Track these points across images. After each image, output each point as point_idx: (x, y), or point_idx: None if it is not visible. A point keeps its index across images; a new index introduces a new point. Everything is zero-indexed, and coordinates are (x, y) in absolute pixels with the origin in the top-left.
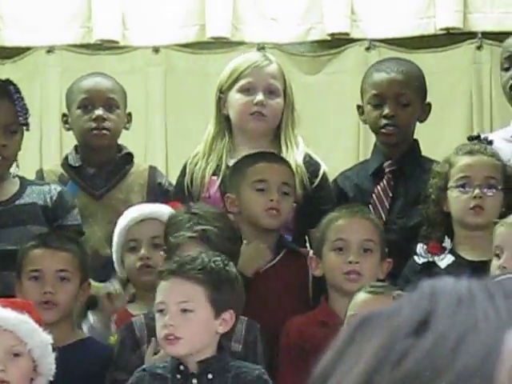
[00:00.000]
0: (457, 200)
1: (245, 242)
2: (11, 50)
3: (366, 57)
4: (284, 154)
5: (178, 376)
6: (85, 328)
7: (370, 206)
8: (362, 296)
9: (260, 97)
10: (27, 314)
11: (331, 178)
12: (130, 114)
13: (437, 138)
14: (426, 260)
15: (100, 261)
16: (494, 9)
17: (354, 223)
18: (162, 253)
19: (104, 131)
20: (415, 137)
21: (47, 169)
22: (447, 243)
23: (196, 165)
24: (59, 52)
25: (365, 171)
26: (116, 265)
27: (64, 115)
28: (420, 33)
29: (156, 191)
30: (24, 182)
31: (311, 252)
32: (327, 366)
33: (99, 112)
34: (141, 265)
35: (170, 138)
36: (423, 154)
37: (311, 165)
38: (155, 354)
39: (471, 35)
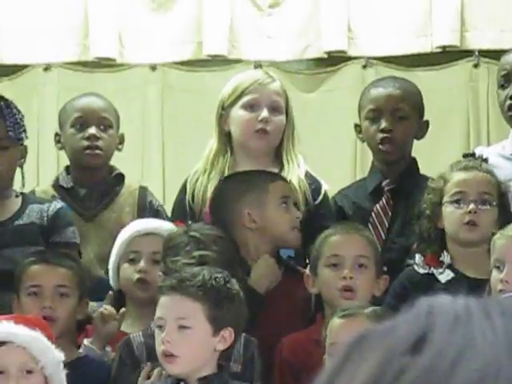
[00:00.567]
0: (451, 215)
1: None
2: (8, 67)
3: (362, 75)
4: (286, 172)
5: None
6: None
7: (370, 224)
8: (336, 322)
9: (265, 113)
10: (40, 330)
11: (329, 196)
12: (122, 136)
13: (434, 156)
14: (426, 271)
15: (92, 281)
16: (490, 27)
17: (348, 239)
18: (160, 273)
19: (97, 151)
20: (413, 154)
21: (39, 189)
22: (445, 257)
23: (197, 181)
24: (56, 70)
25: (363, 190)
26: (111, 275)
27: (56, 134)
28: (417, 51)
29: (146, 211)
30: (26, 201)
31: (307, 270)
32: None
33: (92, 131)
34: (138, 278)
35: (167, 155)
36: (421, 171)
37: (313, 182)
38: (148, 378)
39: (468, 53)
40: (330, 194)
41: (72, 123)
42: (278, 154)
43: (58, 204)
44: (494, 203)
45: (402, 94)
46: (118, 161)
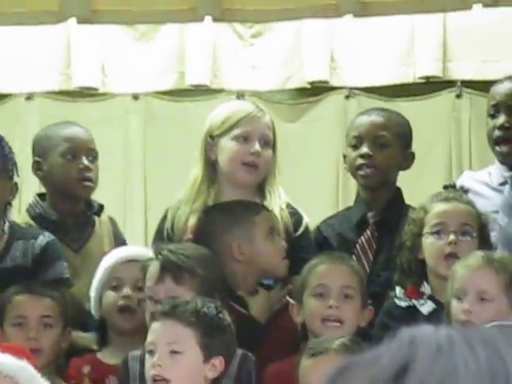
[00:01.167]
0: (431, 246)
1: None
2: None
3: (345, 105)
4: (268, 202)
5: None
6: None
7: (354, 256)
8: (305, 363)
9: (257, 147)
10: (25, 359)
11: (310, 225)
12: None
13: (416, 186)
14: (407, 304)
15: (83, 314)
16: (473, 58)
17: (334, 269)
18: (147, 300)
19: (89, 182)
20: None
21: (20, 221)
22: (425, 288)
23: (178, 210)
24: (38, 99)
25: (348, 221)
26: (93, 303)
27: (36, 162)
28: (400, 81)
29: (118, 240)
30: (11, 237)
31: (290, 300)
32: None
33: (85, 162)
34: (122, 304)
35: (149, 184)
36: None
37: (294, 214)
38: None
39: (451, 84)
40: (311, 225)
41: (62, 153)
42: (260, 185)
43: (45, 239)
44: (474, 235)
45: (385, 122)
46: (99, 189)
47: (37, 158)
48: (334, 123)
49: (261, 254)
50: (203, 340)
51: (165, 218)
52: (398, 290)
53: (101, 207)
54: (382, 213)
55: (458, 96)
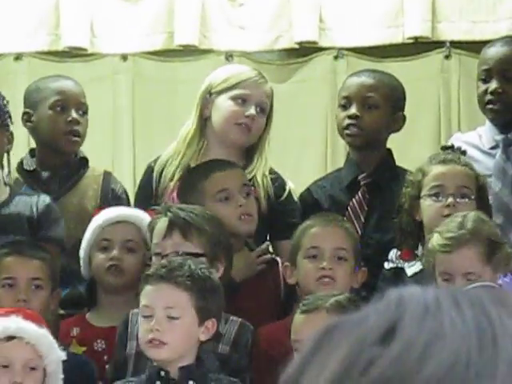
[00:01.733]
0: (429, 209)
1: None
2: None
3: (334, 65)
4: (253, 167)
5: (158, 382)
6: None
7: (345, 219)
8: (298, 319)
9: (253, 111)
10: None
11: (299, 186)
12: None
13: (405, 148)
14: (394, 265)
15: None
16: (462, 18)
17: (327, 231)
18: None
19: (76, 138)
20: None
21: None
22: (420, 252)
23: (167, 162)
24: (27, 59)
25: (339, 182)
26: (82, 264)
27: (26, 113)
28: (388, 42)
29: (109, 197)
30: (14, 191)
31: (280, 260)
32: (293, 375)
33: (75, 115)
34: (110, 265)
35: (137, 145)
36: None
37: (276, 179)
38: None
39: (439, 44)
40: (300, 185)
41: (51, 105)
42: (248, 150)
43: (47, 198)
44: (473, 196)
45: (375, 83)
46: (88, 150)
47: (27, 110)
48: (322, 84)
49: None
50: (198, 303)
51: (148, 171)
52: (392, 252)
53: (85, 160)
54: (373, 175)
55: (447, 57)
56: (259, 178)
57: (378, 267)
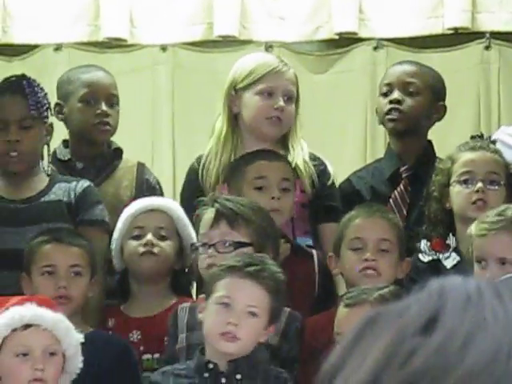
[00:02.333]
0: (459, 195)
1: None
2: (19, 47)
3: (373, 56)
4: (291, 156)
5: (206, 374)
6: None
7: None
8: (341, 312)
9: (281, 102)
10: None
11: (338, 177)
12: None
13: (444, 139)
14: (431, 258)
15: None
16: (502, 9)
17: (371, 222)
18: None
19: (107, 127)
20: None
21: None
22: (451, 241)
23: (207, 163)
24: (67, 50)
25: (380, 174)
26: (114, 254)
27: (58, 104)
28: (428, 32)
29: (143, 187)
30: (53, 179)
31: (314, 253)
32: (335, 364)
33: (104, 107)
34: (144, 251)
35: (177, 135)
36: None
37: (319, 165)
38: None
39: (479, 35)
40: (339, 176)
41: (81, 98)
42: (283, 139)
43: (86, 182)
44: (502, 183)
45: (416, 70)
46: (127, 141)
47: (58, 101)
48: (362, 75)
49: None
50: (273, 305)
51: (190, 175)
52: (423, 243)
53: (119, 151)
54: (414, 167)
55: (487, 47)
56: (301, 167)
57: None
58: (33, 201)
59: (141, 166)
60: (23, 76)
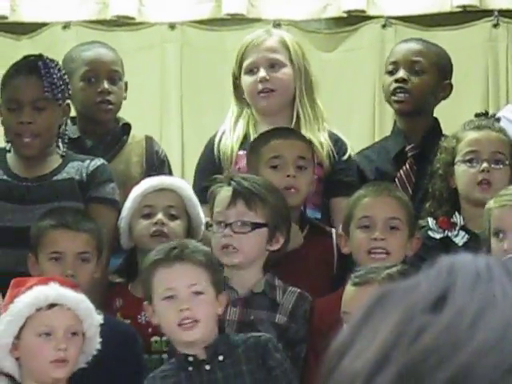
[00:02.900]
0: (464, 175)
1: None
2: (27, 25)
3: (382, 34)
4: (302, 126)
5: (190, 368)
6: None
7: None
8: (349, 291)
9: (261, 73)
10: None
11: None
12: (126, 84)
13: (452, 116)
14: (442, 235)
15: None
16: None
17: (379, 201)
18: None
19: (109, 106)
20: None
21: None
22: (457, 219)
23: (222, 140)
24: (75, 28)
25: (385, 153)
26: (122, 233)
27: None
28: (436, 10)
29: (154, 160)
30: (67, 158)
31: (338, 229)
32: (344, 342)
33: (105, 86)
34: (155, 230)
35: (185, 113)
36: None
37: (337, 140)
38: None
39: (487, 13)
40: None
41: (82, 77)
42: (294, 107)
43: (99, 161)
44: (507, 162)
45: (422, 49)
46: (136, 118)
47: None
48: (370, 53)
49: None
50: (213, 278)
51: (210, 149)
52: (430, 221)
53: (128, 126)
54: (420, 145)
55: (495, 25)
56: (315, 140)
57: None
58: (45, 179)
59: (149, 140)
60: (40, 56)
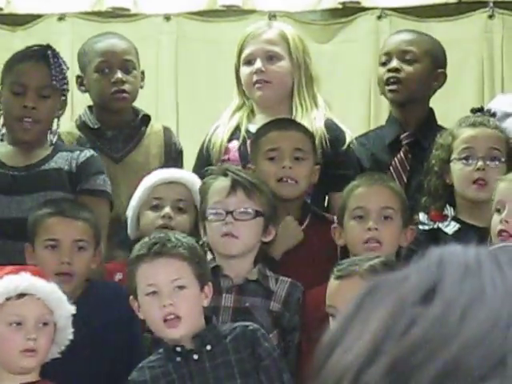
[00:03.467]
0: (460, 172)
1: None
2: (23, 17)
3: (377, 25)
4: (299, 117)
5: (178, 359)
6: None
7: None
8: (332, 284)
9: (257, 65)
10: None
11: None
12: (142, 73)
13: (447, 107)
14: (431, 227)
15: (121, 225)
16: None
17: (372, 191)
18: (185, 216)
19: (124, 94)
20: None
21: (64, 131)
22: (448, 211)
23: (214, 131)
24: (70, 19)
25: (380, 141)
26: (129, 223)
27: (78, 77)
28: (431, 1)
29: (172, 152)
30: (56, 148)
31: (335, 220)
32: (335, 335)
33: (118, 75)
34: (162, 224)
35: (180, 105)
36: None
37: (335, 130)
38: None
39: (483, 4)
40: None
41: (96, 68)
42: (292, 98)
43: (89, 152)
44: (503, 159)
45: (414, 38)
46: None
47: (79, 73)
48: (365, 44)
49: (261, 175)
50: (196, 270)
51: (202, 145)
52: (421, 215)
53: (147, 118)
54: (415, 134)
55: (491, 16)
56: (311, 128)
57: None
58: (33, 168)
59: (167, 131)
60: (49, 46)
